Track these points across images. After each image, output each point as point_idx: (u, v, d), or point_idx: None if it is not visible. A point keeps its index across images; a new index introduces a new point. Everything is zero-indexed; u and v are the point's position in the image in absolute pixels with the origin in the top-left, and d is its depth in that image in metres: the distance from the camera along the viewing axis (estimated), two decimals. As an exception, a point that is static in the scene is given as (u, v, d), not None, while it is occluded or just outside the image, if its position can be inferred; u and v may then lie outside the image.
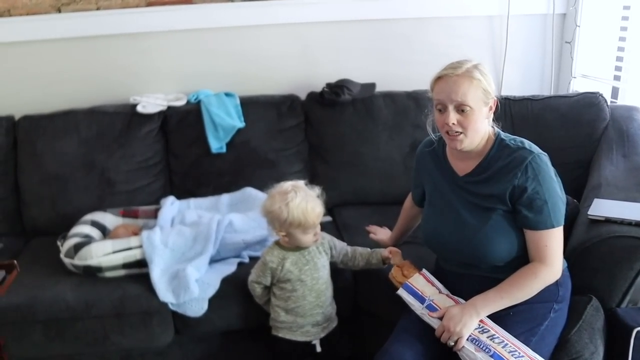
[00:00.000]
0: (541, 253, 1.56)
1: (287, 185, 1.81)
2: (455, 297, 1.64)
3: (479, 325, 1.53)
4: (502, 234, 1.60)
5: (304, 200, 1.75)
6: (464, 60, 1.59)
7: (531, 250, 1.58)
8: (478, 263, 1.64)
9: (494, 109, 1.62)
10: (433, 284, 1.70)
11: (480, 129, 1.59)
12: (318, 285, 1.86)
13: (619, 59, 2.58)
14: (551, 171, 1.59)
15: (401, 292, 1.69)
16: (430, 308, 1.62)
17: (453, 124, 1.56)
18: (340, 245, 1.96)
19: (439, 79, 1.59)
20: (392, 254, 1.87)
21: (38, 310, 1.92)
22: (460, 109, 1.55)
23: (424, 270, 1.74)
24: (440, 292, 1.67)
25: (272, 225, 1.82)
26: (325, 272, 1.90)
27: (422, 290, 1.67)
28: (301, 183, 1.83)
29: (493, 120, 1.66)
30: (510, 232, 1.59)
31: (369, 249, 1.95)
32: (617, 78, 2.62)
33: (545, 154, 1.60)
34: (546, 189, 1.55)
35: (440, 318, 1.57)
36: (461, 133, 1.57)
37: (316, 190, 1.82)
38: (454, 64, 1.58)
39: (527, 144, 1.61)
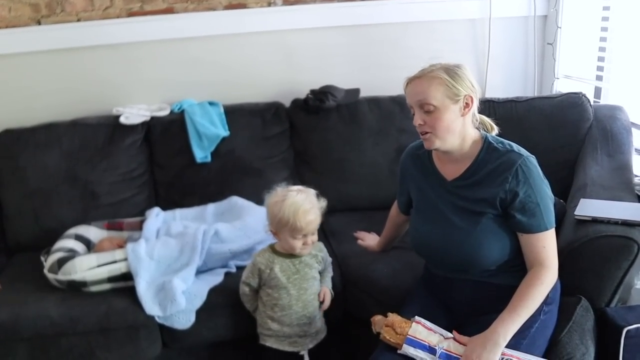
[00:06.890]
0: (540, 256, 1.54)
1: (296, 187, 1.83)
2: (462, 337, 1.53)
3: (502, 358, 1.44)
4: (492, 238, 1.58)
5: (299, 203, 1.75)
6: (437, 63, 1.60)
7: (529, 254, 1.56)
8: (468, 267, 1.62)
9: (471, 106, 1.59)
10: (434, 331, 1.56)
11: (453, 128, 1.58)
12: (306, 296, 1.84)
13: (601, 59, 2.60)
14: (540, 173, 1.58)
15: (406, 348, 1.52)
16: (444, 357, 1.49)
17: (420, 124, 1.58)
18: (328, 268, 1.98)
19: (406, 85, 1.63)
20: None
21: (22, 327, 1.89)
22: (425, 109, 1.57)
23: (417, 318, 1.58)
24: (445, 337, 1.54)
25: (268, 219, 1.82)
26: (315, 284, 1.88)
27: (427, 340, 1.52)
28: (311, 191, 1.83)
29: (495, 122, 1.67)
30: (500, 235, 1.58)
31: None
32: (599, 78, 2.64)
33: (533, 156, 1.60)
34: (537, 192, 1.54)
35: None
36: (430, 133, 1.58)
37: (322, 203, 1.83)
38: (423, 68, 1.61)
39: (516, 147, 1.61)
